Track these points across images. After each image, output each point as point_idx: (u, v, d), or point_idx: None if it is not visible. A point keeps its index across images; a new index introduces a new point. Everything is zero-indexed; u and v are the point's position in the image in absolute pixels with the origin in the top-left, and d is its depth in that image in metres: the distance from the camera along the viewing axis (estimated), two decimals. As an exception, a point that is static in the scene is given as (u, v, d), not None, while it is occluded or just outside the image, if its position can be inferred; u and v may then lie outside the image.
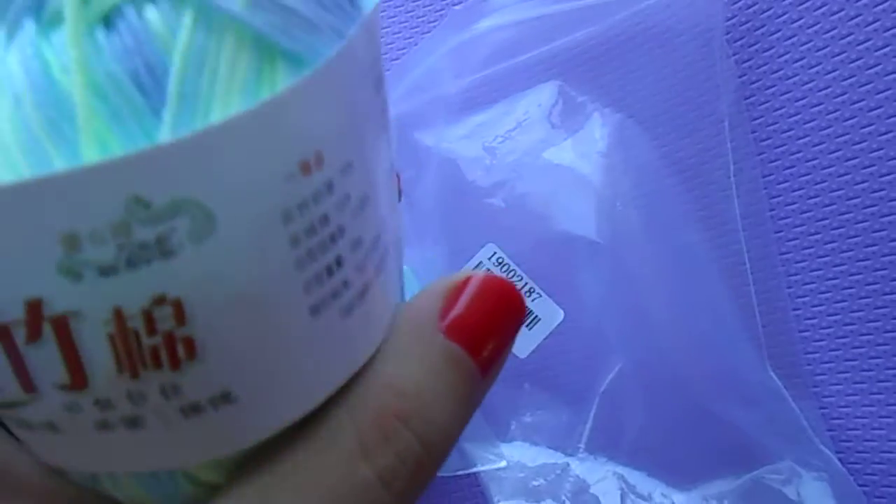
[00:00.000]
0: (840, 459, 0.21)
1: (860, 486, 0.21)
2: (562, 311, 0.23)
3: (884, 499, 0.21)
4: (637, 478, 0.22)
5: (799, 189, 0.22)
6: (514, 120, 0.24)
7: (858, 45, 0.21)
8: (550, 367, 0.23)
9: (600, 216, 0.23)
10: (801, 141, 0.22)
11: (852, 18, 0.21)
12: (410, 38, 0.26)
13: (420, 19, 0.26)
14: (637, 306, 0.22)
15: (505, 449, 0.23)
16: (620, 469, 0.22)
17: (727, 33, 0.23)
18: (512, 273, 0.24)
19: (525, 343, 0.23)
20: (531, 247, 0.23)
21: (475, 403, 0.10)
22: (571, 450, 0.23)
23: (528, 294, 0.23)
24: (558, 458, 0.23)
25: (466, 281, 0.09)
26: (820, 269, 0.22)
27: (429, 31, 0.26)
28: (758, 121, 0.23)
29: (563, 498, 0.22)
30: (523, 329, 0.23)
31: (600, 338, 0.23)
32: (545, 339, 0.23)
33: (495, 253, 0.24)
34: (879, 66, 0.20)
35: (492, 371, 0.09)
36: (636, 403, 0.22)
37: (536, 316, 0.23)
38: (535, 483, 0.22)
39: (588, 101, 0.24)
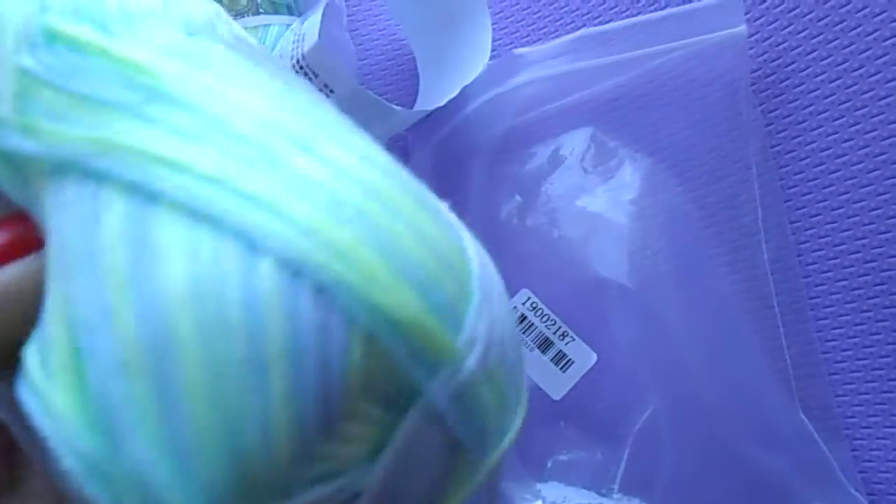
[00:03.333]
0: (871, 503, 0.22)
1: (892, 528, 0.22)
2: (595, 354, 0.24)
3: (917, 544, 0.21)
4: (670, 518, 0.23)
5: (826, 236, 0.23)
6: (548, 165, 0.25)
7: (880, 100, 0.21)
8: (585, 407, 0.24)
9: (632, 261, 0.23)
10: (826, 190, 0.23)
11: (872, 75, 0.22)
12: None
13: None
14: (668, 349, 0.23)
15: (541, 488, 0.23)
16: (654, 510, 0.23)
17: (753, 84, 0.23)
18: (545, 318, 0.24)
19: (559, 385, 0.24)
20: (564, 291, 0.24)
21: None
22: (606, 490, 0.23)
23: (561, 338, 0.24)
24: (593, 498, 0.23)
25: None
26: (848, 315, 0.22)
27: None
28: (784, 169, 0.23)
29: (598, 538, 0.22)
30: (557, 371, 0.24)
31: (633, 380, 0.23)
32: (579, 381, 0.24)
33: (529, 298, 0.24)
34: (902, 119, 0.21)
35: None
36: (668, 445, 0.23)
37: (570, 359, 0.24)
38: (571, 523, 0.23)
39: (619, 147, 0.25)
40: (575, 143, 0.25)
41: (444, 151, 0.26)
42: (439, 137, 0.26)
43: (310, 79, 0.22)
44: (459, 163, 0.26)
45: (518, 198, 0.25)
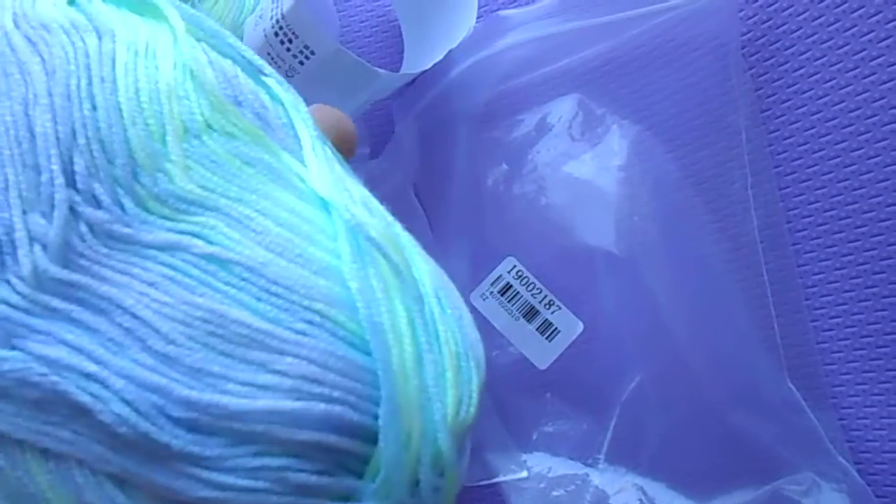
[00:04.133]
0: (858, 471, 0.21)
1: (878, 497, 0.21)
2: (581, 323, 0.23)
3: (904, 510, 0.21)
4: (656, 489, 0.22)
5: (815, 202, 0.22)
6: (534, 132, 0.25)
7: (872, 60, 0.21)
8: (571, 377, 0.23)
9: (619, 229, 0.23)
10: (817, 154, 0.22)
11: (865, 34, 0.21)
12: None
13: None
14: (655, 318, 0.23)
15: (526, 459, 0.23)
16: (640, 480, 0.22)
17: (743, 48, 0.23)
18: (531, 286, 0.24)
19: (545, 354, 0.23)
20: (551, 259, 0.23)
21: None
22: (592, 460, 0.23)
23: (547, 306, 0.24)
24: (578, 468, 0.23)
25: None
26: (837, 281, 0.22)
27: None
28: (774, 134, 0.23)
29: (583, 508, 0.22)
30: (543, 340, 0.24)
31: (620, 349, 0.23)
32: (565, 350, 0.23)
33: (515, 266, 0.24)
34: (893, 82, 0.21)
35: None
36: (655, 414, 0.22)
37: (556, 328, 0.23)
38: (556, 493, 0.22)
39: (607, 114, 0.24)
40: (562, 110, 0.25)
41: (429, 119, 0.25)
42: (423, 105, 0.25)
43: (289, 40, 0.22)
44: (444, 131, 0.25)
45: (504, 165, 0.25)
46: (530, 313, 0.24)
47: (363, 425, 0.09)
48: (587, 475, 0.22)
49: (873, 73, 0.21)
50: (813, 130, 0.22)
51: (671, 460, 0.22)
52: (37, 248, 0.09)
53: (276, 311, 0.09)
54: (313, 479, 0.09)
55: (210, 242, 0.10)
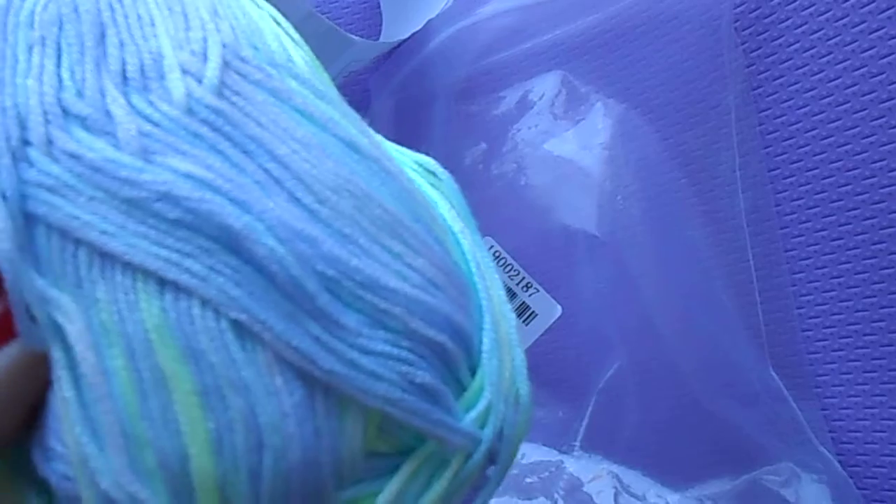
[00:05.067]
0: (840, 462, 0.21)
1: (860, 489, 0.21)
2: (560, 307, 0.23)
3: (884, 503, 0.21)
4: (632, 477, 0.22)
5: (805, 184, 0.21)
6: (515, 110, 0.24)
7: (871, 33, 0.20)
8: (548, 363, 0.23)
9: (601, 210, 0.22)
10: (808, 134, 0.21)
11: (865, 6, 0.20)
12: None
13: None
14: (637, 302, 0.22)
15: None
16: (615, 468, 0.22)
17: (735, 21, 0.22)
18: (509, 268, 0.23)
19: (521, 338, 0.23)
20: (530, 240, 0.23)
21: None
22: (567, 447, 0.22)
23: (525, 289, 0.23)
24: (552, 455, 0.22)
25: None
26: (825, 267, 0.21)
27: None
28: (765, 113, 0.22)
29: (556, 496, 0.22)
30: (520, 324, 0.23)
31: (599, 334, 0.22)
32: (542, 334, 0.23)
33: (492, 247, 0.23)
34: (892, 56, 0.20)
35: None
36: (634, 401, 0.22)
37: (534, 311, 0.23)
38: (529, 480, 0.22)
39: (591, 92, 0.23)
40: (545, 87, 0.24)
41: (406, 94, 0.24)
42: (401, 78, 0.24)
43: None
44: (421, 106, 0.24)
45: (483, 144, 0.24)
46: (507, 295, 0.23)
47: (473, 344, 0.10)
48: (561, 462, 0.22)
49: (872, 47, 0.20)
50: (806, 109, 0.21)
51: (648, 448, 0.22)
52: (189, 77, 0.09)
53: (410, 212, 0.10)
54: (434, 383, 0.09)
55: (359, 132, 0.10)
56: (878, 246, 0.20)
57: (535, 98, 0.24)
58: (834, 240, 0.21)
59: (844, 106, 0.20)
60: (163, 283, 0.08)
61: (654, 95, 0.23)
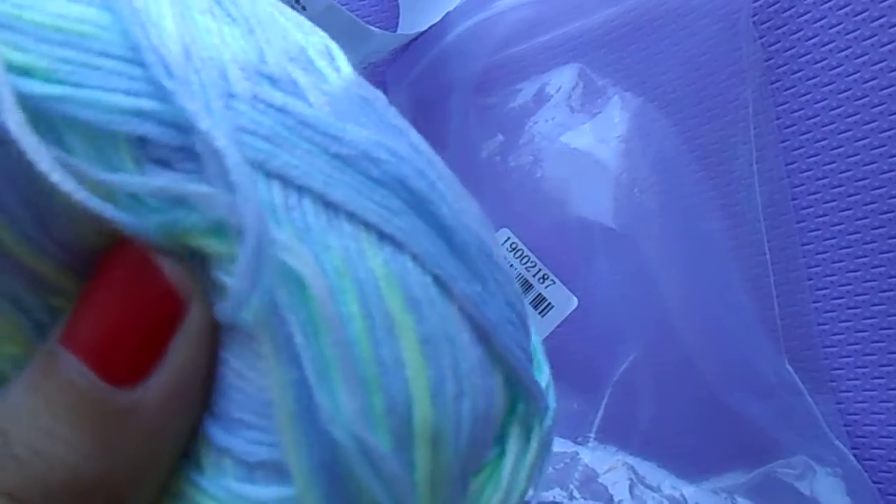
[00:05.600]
0: (855, 455, 0.21)
1: (875, 483, 0.21)
2: (576, 299, 0.23)
3: (900, 495, 0.21)
4: (647, 468, 0.22)
5: (823, 178, 0.21)
6: (532, 103, 0.24)
7: (890, 27, 0.20)
8: (563, 354, 0.23)
9: (618, 203, 0.22)
10: (826, 128, 0.21)
11: (884, 0, 0.20)
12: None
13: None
14: (653, 295, 0.22)
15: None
16: (630, 459, 0.22)
17: (753, 15, 0.22)
18: (525, 259, 0.23)
19: (537, 330, 0.23)
20: (546, 232, 0.23)
21: (126, 426, 0.07)
22: (582, 439, 0.22)
23: (541, 280, 0.23)
24: (568, 446, 0.22)
25: (93, 284, 0.08)
26: (842, 261, 0.21)
27: None
28: (782, 107, 0.22)
29: (571, 487, 0.22)
30: (536, 315, 0.23)
31: (615, 327, 0.22)
32: (558, 326, 0.23)
33: (509, 238, 0.23)
34: (912, 52, 0.20)
35: (142, 386, 0.08)
36: (649, 393, 0.22)
37: (550, 303, 0.23)
38: (544, 471, 0.22)
39: (609, 85, 0.23)
40: (562, 80, 0.24)
41: (423, 87, 0.24)
42: (417, 72, 0.24)
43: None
44: (439, 98, 0.24)
45: (500, 136, 0.24)
46: (524, 287, 0.23)
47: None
48: (577, 453, 0.22)
49: (891, 42, 0.20)
50: (823, 103, 0.21)
51: (663, 440, 0.22)
52: (331, 67, 0.09)
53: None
54: (531, 348, 0.10)
55: None
56: (895, 240, 0.20)
57: (552, 91, 0.24)
58: (850, 234, 0.21)
59: (863, 100, 0.20)
60: (382, 235, 0.08)
61: (671, 89, 0.23)
